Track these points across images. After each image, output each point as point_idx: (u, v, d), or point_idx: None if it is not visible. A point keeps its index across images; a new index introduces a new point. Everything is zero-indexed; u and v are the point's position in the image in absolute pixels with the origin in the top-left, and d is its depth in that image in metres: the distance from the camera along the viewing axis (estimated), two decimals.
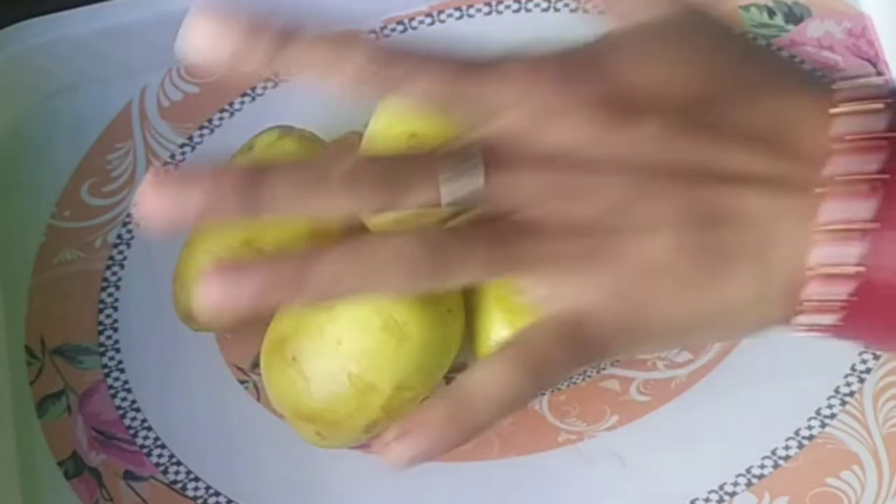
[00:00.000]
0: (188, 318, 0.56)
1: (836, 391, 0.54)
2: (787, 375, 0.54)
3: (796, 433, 0.53)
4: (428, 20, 0.66)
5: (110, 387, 0.57)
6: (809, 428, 0.53)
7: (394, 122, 0.56)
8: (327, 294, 0.40)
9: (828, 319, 0.40)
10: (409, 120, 0.55)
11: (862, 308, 0.40)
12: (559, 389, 0.55)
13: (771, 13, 0.54)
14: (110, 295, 0.60)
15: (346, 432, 0.52)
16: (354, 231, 0.57)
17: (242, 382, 0.57)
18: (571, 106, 0.40)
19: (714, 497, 0.52)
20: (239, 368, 0.57)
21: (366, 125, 0.61)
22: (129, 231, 0.61)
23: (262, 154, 0.56)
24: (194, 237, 0.56)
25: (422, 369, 0.52)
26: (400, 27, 0.66)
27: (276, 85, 0.65)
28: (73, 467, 0.56)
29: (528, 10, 0.66)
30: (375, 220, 0.56)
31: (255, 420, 0.56)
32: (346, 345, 0.50)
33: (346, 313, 0.51)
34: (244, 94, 0.65)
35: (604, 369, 0.55)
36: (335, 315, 0.51)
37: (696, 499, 0.52)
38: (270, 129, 0.58)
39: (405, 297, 0.50)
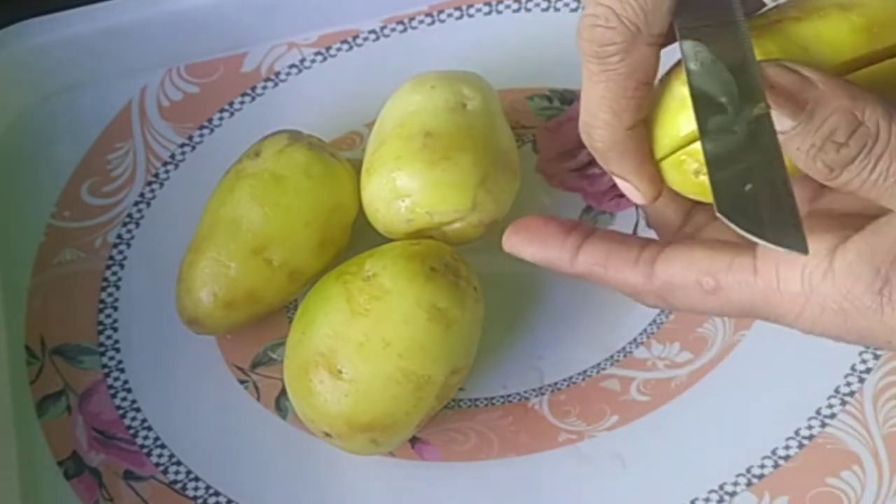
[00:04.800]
0: (192, 322, 0.56)
1: (837, 391, 0.54)
2: (788, 375, 0.54)
3: (796, 433, 0.53)
4: (428, 20, 0.66)
5: (110, 387, 0.57)
6: (809, 428, 0.53)
7: (407, 120, 0.55)
8: None
9: None
10: (423, 118, 0.55)
11: None
12: (559, 389, 0.55)
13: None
14: (110, 295, 0.60)
15: (403, 431, 0.52)
16: (359, 239, 0.57)
17: (242, 382, 0.57)
18: None
19: (714, 497, 0.52)
20: (239, 368, 0.57)
21: (367, 125, 0.61)
22: (129, 231, 0.61)
23: (271, 162, 0.56)
24: (200, 243, 0.56)
25: (467, 349, 0.53)
26: (400, 27, 0.66)
27: (276, 85, 0.65)
28: (73, 467, 0.55)
29: (528, 10, 0.66)
30: (381, 225, 0.56)
31: (255, 420, 0.56)
32: (395, 344, 0.50)
33: (385, 314, 0.51)
34: (244, 94, 0.65)
35: (604, 369, 0.55)
36: (374, 318, 0.51)
37: (696, 499, 0.52)
38: (278, 133, 0.57)
39: (435, 282, 0.51)
